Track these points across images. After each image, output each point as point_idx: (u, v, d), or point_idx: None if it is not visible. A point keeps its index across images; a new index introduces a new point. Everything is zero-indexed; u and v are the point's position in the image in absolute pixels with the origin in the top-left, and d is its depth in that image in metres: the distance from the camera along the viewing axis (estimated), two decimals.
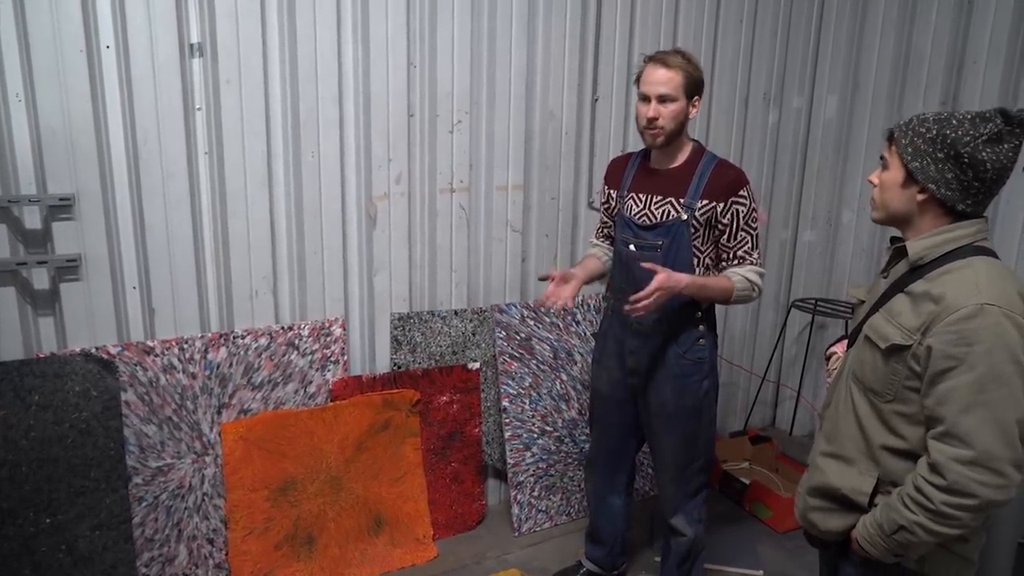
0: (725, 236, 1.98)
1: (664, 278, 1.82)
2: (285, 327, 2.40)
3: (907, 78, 3.04)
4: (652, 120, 1.91)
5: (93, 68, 1.99)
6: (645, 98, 1.93)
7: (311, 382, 2.48)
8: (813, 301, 3.34)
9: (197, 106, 2.16)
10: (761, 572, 2.61)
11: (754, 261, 2.01)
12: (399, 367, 2.63)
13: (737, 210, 1.95)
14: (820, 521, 1.42)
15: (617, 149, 2.92)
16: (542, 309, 2.76)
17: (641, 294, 1.82)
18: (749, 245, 1.99)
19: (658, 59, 1.91)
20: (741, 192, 1.95)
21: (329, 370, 2.50)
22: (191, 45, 2.11)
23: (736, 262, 2.00)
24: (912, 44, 3.01)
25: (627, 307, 1.86)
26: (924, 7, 2.97)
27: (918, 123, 1.30)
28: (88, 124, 2.01)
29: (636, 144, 2.92)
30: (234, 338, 2.31)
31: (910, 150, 1.30)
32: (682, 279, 1.86)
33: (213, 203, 2.24)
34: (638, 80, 1.97)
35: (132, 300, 2.17)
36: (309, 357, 2.46)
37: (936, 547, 1.28)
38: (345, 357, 2.53)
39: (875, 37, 3.15)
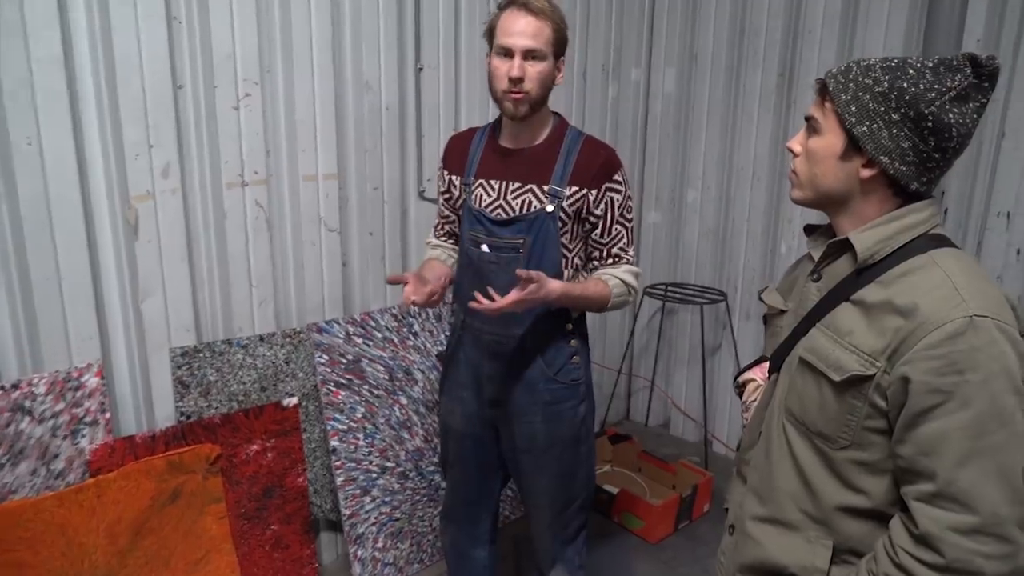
0: (598, 231, 1.62)
1: (535, 289, 1.43)
2: (7, 386, 1.70)
3: (744, 50, 2.90)
4: (516, 81, 1.49)
5: None
6: (506, 52, 1.51)
7: (57, 455, 1.79)
8: (663, 287, 3.15)
9: None
10: None
11: (630, 259, 1.67)
12: (188, 417, 2.01)
13: (612, 198, 1.59)
14: None
15: (448, 127, 2.47)
16: (404, 313, 2.33)
17: (495, 304, 1.42)
18: (625, 240, 1.65)
19: (520, 3, 1.49)
20: (616, 176, 1.59)
21: (83, 435, 1.83)
22: None
23: (610, 261, 1.66)
24: (748, 15, 2.87)
25: (472, 304, 1.45)
26: None
27: (861, 72, 0.98)
28: None
29: (469, 121, 2.51)
30: None
31: (854, 109, 0.97)
32: (554, 288, 1.48)
33: None
34: (491, 32, 1.55)
35: None
36: (50, 422, 1.77)
37: None
38: (107, 414, 1.87)
39: (711, 7, 2.98)
